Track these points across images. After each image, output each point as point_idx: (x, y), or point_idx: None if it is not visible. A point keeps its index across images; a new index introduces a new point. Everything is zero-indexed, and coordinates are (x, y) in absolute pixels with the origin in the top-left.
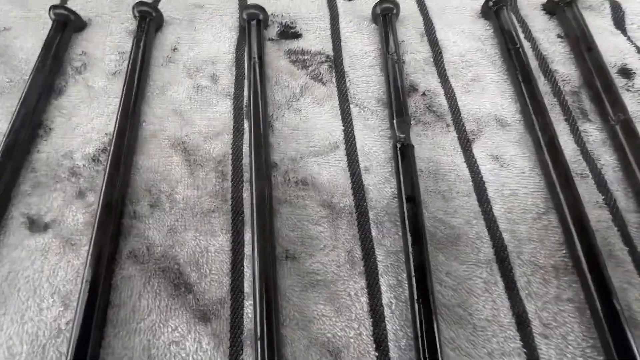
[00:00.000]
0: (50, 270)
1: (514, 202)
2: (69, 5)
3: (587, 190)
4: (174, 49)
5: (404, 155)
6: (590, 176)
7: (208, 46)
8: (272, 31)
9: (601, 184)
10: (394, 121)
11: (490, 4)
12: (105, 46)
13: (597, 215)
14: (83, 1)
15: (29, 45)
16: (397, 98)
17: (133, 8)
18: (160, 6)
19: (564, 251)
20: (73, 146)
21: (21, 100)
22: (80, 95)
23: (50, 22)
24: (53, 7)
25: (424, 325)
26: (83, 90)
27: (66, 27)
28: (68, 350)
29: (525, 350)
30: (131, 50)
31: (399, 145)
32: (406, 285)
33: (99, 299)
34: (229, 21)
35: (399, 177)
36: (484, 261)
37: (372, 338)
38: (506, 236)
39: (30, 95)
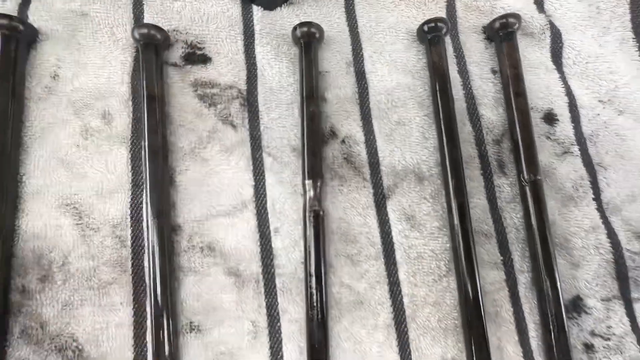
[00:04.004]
0: None
1: (419, 265)
2: None
3: (488, 251)
4: (55, 76)
5: (313, 225)
6: (495, 236)
7: (96, 72)
8: (176, 53)
9: (503, 244)
10: (306, 183)
11: (426, 29)
12: None
13: (493, 276)
14: None
15: None
16: (312, 157)
17: None
18: (31, 11)
19: (456, 313)
20: None
21: None
22: None
23: None
24: None
25: None
26: None
27: None
28: None
29: None
30: None
31: (308, 214)
32: (306, 353)
33: None
34: (122, 36)
35: (306, 248)
36: (382, 325)
37: None
38: (406, 300)
39: None
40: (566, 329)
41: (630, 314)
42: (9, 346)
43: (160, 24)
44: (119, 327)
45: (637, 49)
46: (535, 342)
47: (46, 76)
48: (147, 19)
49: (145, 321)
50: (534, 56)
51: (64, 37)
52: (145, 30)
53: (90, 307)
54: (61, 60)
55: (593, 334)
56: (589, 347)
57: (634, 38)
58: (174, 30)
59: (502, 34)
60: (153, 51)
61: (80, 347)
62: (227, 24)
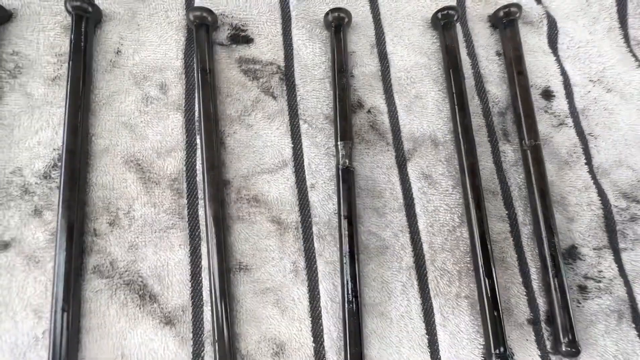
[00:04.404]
0: (18, 287)
1: (435, 217)
2: None
3: (495, 206)
4: (118, 52)
5: (344, 179)
6: (500, 193)
7: (154, 49)
8: (223, 34)
9: (507, 201)
10: (338, 144)
11: (439, 16)
12: (39, 45)
13: (499, 228)
14: None
15: None
16: (343, 121)
17: (65, 3)
18: None
19: (468, 259)
20: (20, 162)
21: None
22: (19, 104)
23: None
24: None
25: (351, 321)
26: (21, 98)
27: None
28: (49, 355)
29: (427, 335)
30: (70, 55)
31: (341, 168)
32: (340, 290)
33: (70, 310)
34: (175, 18)
35: (339, 198)
36: (405, 268)
37: (310, 333)
38: (425, 247)
39: None
40: (563, 273)
41: (618, 260)
42: (84, 280)
43: None
44: (178, 265)
45: (622, 37)
46: (536, 283)
47: (110, 52)
48: (197, 4)
49: (200, 261)
50: (533, 41)
51: (125, 18)
52: (198, 13)
53: (153, 248)
54: (123, 39)
55: (586, 277)
56: (582, 288)
57: (619, 27)
58: (221, 14)
59: (505, 21)
60: (205, 31)
61: (144, 281)
62: (267, 10)
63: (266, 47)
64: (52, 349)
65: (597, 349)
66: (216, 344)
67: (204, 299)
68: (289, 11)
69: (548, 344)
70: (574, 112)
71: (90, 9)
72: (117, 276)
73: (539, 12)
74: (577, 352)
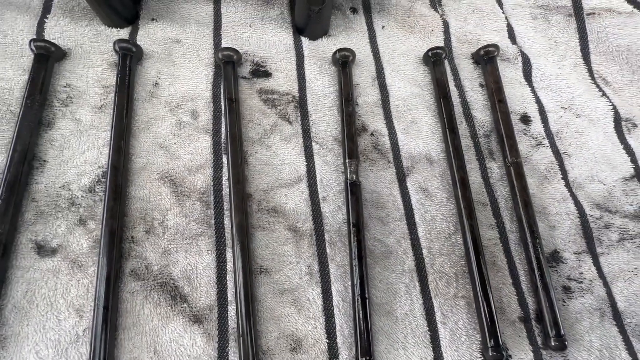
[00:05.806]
0: (63, 288)
1: (433, 225)
2: (46, 33)
3: (485, 216)
4: (156, 84)
5: (352, 191)
6: (489, 205)
7: (187, 82)
8: (245, 69)
9: (496, 211)
10: (346, 161)
11: (430, 54)
12: (88, 78)
13: (490, 235)
14: (60, 30)
15: (9, 74)
16: (350, 142)
17: (114, 44)
18: (138, 38)
19: (463, 262)
20: (68, 178)
21: (15, 136)
22: (69, 128)
23: (28, 48)
24: (33, 40)
25: (361, 319)
26: (71, 123)
27: (48, 60)
28: (90, 351)
29: (430, 332)
30: (116, 87)
31: (349, 183)
32: (350, 290)
33: (109, 310)
34: (205, 57)
35: (348, 209)
36: (407, 270)
37: (324, 330)
38: (424, 252)
39: (22, 131)
40: (547, 274)
41: (596, 263)
42: (122, 282)
43: None
44: (206, 268)
45: (586, 71)
46: (525, 285)
47: (149, 84)
48: (224, 44)
49: (226, 265)
50: (510, 75)
51: (162, 56)
52: (226, 52)
53: (183, 253)
54: (160, 73)
55: (569, 278)
56: (567, 289)
57: (584, 63)
58: (244, 52)
59: (486, 58)
60: (231, 67)
61: (175, 283)
62: (283, 49)
63: (283, 80)
64: (92, 345)
65: (583, 344)
66: (240, 339)
67: (228, 299)
68: (302, 50)
69: (539, 340)
70: (549, 134)
71: (134, 48)
72: (152, 278)
73: (514, 51)
74: (565, 347)
